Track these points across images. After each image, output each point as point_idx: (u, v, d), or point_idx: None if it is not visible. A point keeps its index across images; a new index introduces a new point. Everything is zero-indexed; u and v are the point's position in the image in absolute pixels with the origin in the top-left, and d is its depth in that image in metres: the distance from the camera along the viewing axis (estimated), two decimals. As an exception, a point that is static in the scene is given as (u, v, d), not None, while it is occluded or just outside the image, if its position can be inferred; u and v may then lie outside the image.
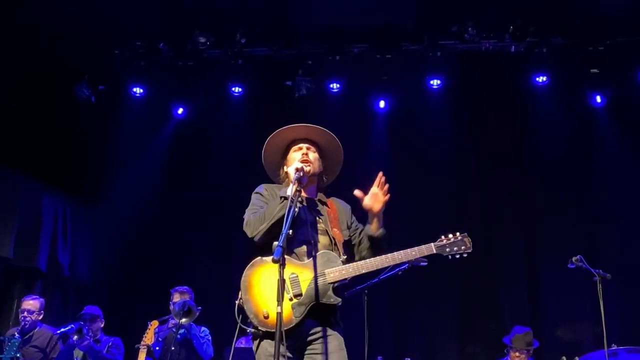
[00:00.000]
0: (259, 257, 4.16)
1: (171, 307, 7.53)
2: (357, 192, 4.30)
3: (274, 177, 4.57)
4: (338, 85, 9.91)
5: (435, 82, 9.75)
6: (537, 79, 9.61)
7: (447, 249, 4.20)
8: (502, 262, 9.71)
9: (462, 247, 4.21)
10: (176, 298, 7.62)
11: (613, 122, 9.79)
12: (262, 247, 4.13)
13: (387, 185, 4.30)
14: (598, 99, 9.72)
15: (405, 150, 10.14)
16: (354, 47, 9.74)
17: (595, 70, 9.52)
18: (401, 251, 4.15)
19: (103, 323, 8.10)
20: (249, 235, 4.17)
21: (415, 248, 4.17)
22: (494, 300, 9.60)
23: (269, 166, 4.58)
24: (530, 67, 9.60)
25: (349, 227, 4.47)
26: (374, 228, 4.34)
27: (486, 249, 9.37)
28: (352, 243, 4.47)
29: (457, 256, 4.21)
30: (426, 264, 5.77)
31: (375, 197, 4.28)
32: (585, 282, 6.81)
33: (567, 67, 9.57)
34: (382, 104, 10.06)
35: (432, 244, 4.20)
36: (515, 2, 9.09)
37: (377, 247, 4.32)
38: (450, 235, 4.24)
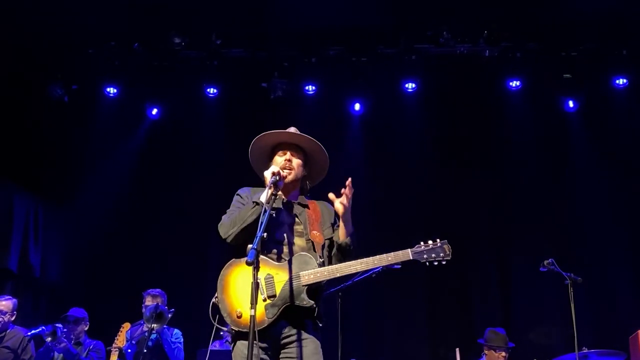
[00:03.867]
0: (235, 258, 4.19)
1: (143, 311, 7.45)
2: (330, 195, 4.24)
3: (261, 174, 4.47)
4: (314, 88, 9.91)
5: (410, 86, 9.79)
6: (511, 83, 9.67)
7: (425, 256, 4.11)
8: (474, 265, 9.76)
9: (442, 254, 4.13)
10: (148, 301, 7.54)
11: (585, 126, 9.89)
12: (237, 248, 4.16)
13: (349, 191, 4.15)
14: (570, 103, 9.81)
15: (379, 153, 10.18)
16: (330, 49, 9.75)
17: (568, 76, 9.63)
18: (377, 256, 4.09)
19: (87, 326, 8.02)
20: (222, 236, 4.20)
21: (392, 253, 4.10)
22: (467, 302, 9.66)
23: (255, 164, 4.55)
24: (504, 72, 9.67)
25: (332, 227, 4.40)
26: (340, 235, 4.25)
27: (459, 252, 9.41)
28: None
29: (436, 263, 4.13)
30: (400, 267, 5.78)
31: (344, 199, 4.16)
32: (557, 285, 6.87)
33: (541, 72, 9.67)
34: (357, 106, 10.07)
35: (409, 250, 4.12)
36: (490, 7, 9.15)
37: (343, 254, 4.24)
38: (430, 242, 4.16)
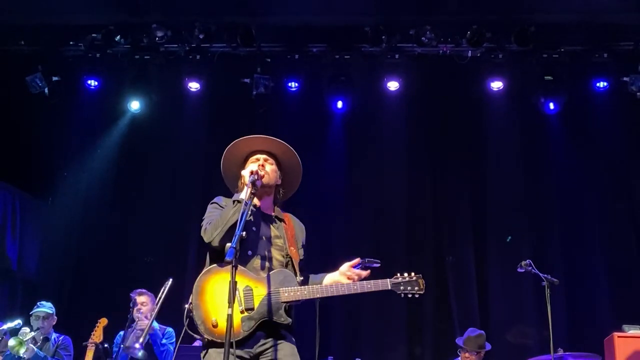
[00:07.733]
0: (215, 265, 4.12)
1: (135, 314, 7.15)
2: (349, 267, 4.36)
3: (233, 189, 4.47)
4: (296, 85, 9.88)
5: (392, 84, 9.78)
6: (492, 84, 9.70)
7: (402, 287, 4.32)
8: (452, 265, 9.77)
9: (416, 288, 4.35)
10: (140, 301, 7.34)
11: (565, 129, 9.94)
12: (217, 253, 4.09)
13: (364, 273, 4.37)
14: (551, 105, 9.84)
15: (361, 152, 10.17)
16: (313, 46, 9.74)
17: (549, 78, 9.68)
18: (357, 282, 4.27)
19: (55, 321, 7.94)
20: (206, 241, 4.13)
21: (372, 282, 4.28)
22: (444, 303, 9.66)
23: (228, 179, 4.53)
24: (485, 73, 9.71)
25: (303, 249, 4.46)
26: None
27: (438, 252, 9.48)
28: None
29: (410, 295, 4.35)
30: (379, 265, 5.80)
31: (354, 275, 4.33)
32: (534, 286, 6.92)
33: (522, 73, 9.73)
34: (339, 104, 10.04)
35: (388, 280, 4.31)
36: (473, 8, 9.19)
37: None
38: (406, 274, 4.36)
